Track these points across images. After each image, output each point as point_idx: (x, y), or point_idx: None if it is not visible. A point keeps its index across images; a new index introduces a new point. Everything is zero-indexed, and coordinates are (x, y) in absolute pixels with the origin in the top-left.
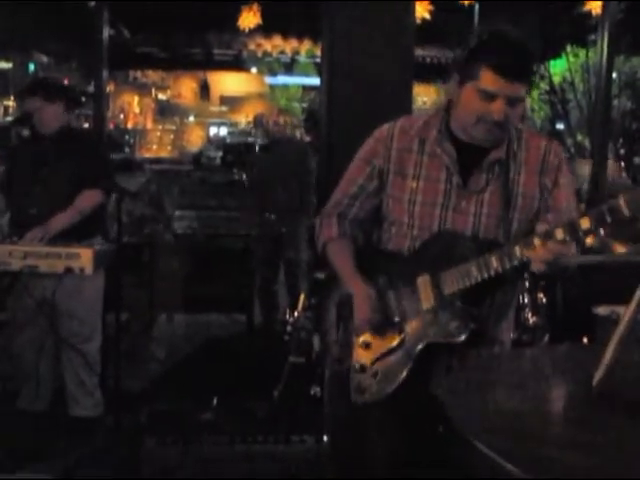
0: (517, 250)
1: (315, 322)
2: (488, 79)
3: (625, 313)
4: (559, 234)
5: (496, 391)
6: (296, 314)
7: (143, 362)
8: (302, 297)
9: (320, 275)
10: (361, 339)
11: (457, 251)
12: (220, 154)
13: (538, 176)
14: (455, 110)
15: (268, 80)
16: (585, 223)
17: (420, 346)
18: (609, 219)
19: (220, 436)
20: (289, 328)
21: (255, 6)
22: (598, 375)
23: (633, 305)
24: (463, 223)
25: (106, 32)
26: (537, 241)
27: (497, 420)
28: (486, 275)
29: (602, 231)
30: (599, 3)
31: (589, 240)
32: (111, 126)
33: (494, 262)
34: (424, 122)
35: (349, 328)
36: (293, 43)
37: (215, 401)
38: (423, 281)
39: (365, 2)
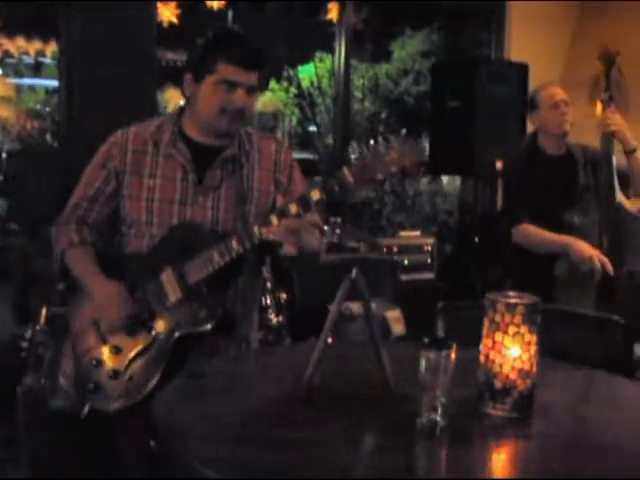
0: (256, 229)
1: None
2: (228, 70)
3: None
4: (293, 208)
5: (210, 397)
6: (38, 328)
7: None
8: (44, 310)
9: (61, 286)
10: (111, 343)
11: (196, 241)
12: None
13: (272, 173)
14: (194, 108)
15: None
16: (316, 194)
17: (172, 340)
18: (337, 188)
19: None
20: (25, 344)
21: None
22: (307, 372)
23: (335, 304)
24: (202, 218)
25: None
26: (274, 218)
27: (206, 427)
28: (228, 258)
29: None
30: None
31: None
32: None
33: (235, 244)
34: (157, 126)
35: (60, 342)
36: (37, 44)
37: None
38: (167, 275)
39: (105, 3)
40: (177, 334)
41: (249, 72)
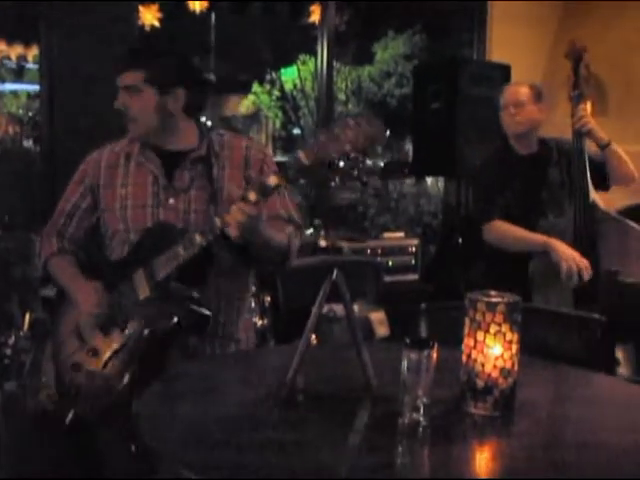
0: (217, 220)
1: (38, 342)
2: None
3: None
4: (252, 196)
5: (193, 400)
6: (21, 334)
7: None
8: (28, 316)
9: (49, 292)
10: (89, 346)
11: (168, 240)
12: None
13: (243, 171)
14: None
15: None
16: (274, 180)
17: (143, 338)
18: (293, 171)
19: None
20: (9, 351)
21: None
22: (289, 374)
23: (316, 306)
24: (174, 219)
25: None
26: (233, 207)
27: (189, 430)
28: (192, 252)
29: None
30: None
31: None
32: None
33: (197, 238)
34: (129, 139)
35: (41, 349)
36: (19, 49)
37: None
38: (138, 274)
39: (86, 7)
40: (146, 331)
41: (123, 74)
